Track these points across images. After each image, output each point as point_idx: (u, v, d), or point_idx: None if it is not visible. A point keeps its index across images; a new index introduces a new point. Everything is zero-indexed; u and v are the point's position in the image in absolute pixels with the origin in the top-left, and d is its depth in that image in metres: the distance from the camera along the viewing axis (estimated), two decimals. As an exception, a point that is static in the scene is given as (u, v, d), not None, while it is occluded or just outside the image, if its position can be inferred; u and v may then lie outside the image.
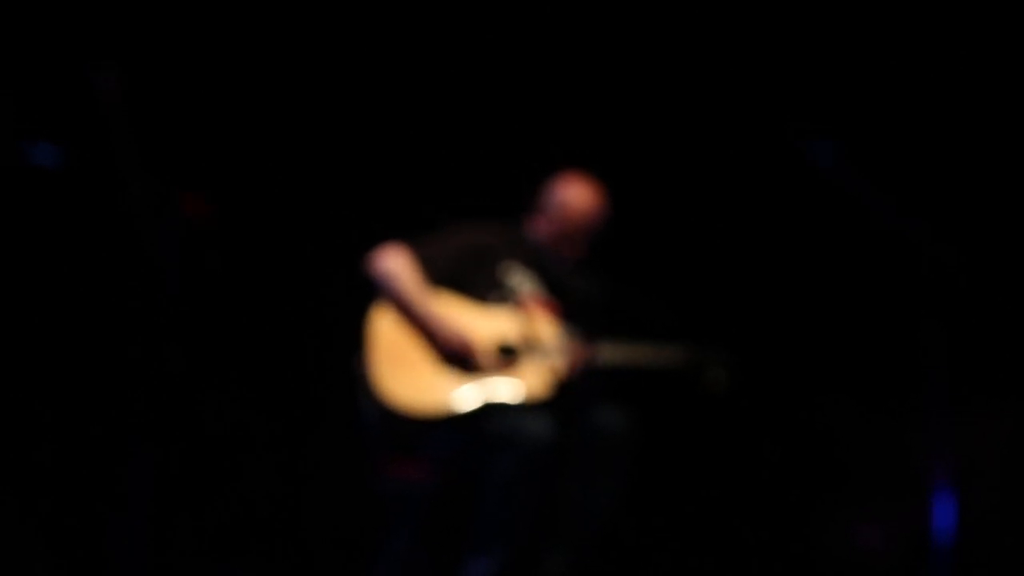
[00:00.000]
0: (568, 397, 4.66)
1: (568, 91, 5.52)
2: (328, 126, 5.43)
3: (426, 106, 5.47)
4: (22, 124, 4.15)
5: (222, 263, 5.21)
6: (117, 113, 3.83)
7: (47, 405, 5.02)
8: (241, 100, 5.31)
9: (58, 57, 4.90)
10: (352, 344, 4.64)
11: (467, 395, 4.58)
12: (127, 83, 3.86)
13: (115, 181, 3.86)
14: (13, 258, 4.94)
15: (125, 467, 4.05)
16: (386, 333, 4.62)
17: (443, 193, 5.36)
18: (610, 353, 4.74)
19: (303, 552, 5.31)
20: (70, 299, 5.06)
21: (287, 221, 5.40)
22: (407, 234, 4.73)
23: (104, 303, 5.06)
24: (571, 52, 5.52)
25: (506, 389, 4.61)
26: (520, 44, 5.50)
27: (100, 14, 4.97)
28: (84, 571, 4.85)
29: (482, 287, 4.72)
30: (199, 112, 5.20)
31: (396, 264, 4.65)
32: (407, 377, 4.57)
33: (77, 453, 5.04)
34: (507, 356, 4.66)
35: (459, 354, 4.60)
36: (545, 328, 4.73)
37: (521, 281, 4.77)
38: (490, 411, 4.55)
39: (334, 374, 4.85)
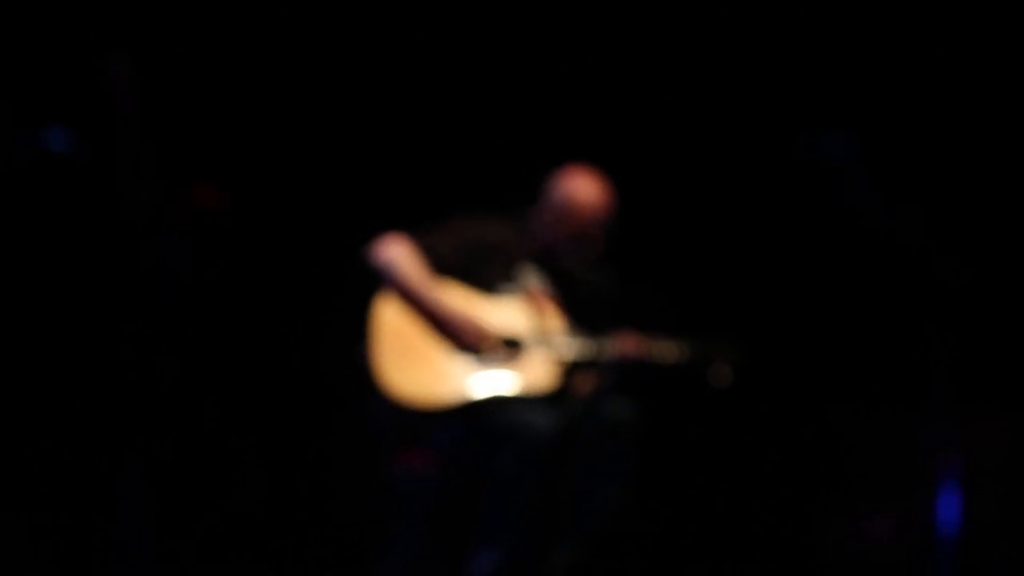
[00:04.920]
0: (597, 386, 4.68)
1: (575, 84, 5.50)
2: (330, 122, 5.42)
3: (432, 100, 5.45)
4: (30, 113, 4.16)
5: (230, 255, 5.21)
6: (128, 102, 3.83)
7: (43, 408, 5.02)
8: (248, 91, 5.31)
9: (69, 45, 4.89)
10: (356, 336, 4.62)
11: (471, 387, 4.58)
12: (139, 72, 3.86)
13: (123, 173, 3.86)
14: (10, 253, 4.93)
15: (123, 466, 4.05)
16: (389, 323, 4.60)
17: (449, 186, 5.34)
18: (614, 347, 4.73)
19: (313, 546, 5.31)
20: (66, 297, 5.06)
21: (293, 212, 5.40)
22: (411, 226, 4.71)
23: (105, 297, 5.05)
24: (578, 44, 5.51)
25: (509, 382, 4.62)
26: (528, 34, 5.49)
27: (111, 1, 4.97)
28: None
29: (486, 280, 4.69)
30: (205, 102, 5.20)
31: (399, 253, 4.61)
32: (411, 368, 4.56)
33: (74, 457, 5.04)
34: (511, 348, 4.67)
35: (470, 341, 4.60)
36: (552, 321, 4.73)
37: (526, 276, 4.76)
38: (493, 404, 4.54)
39: (341, 366, 4.85)
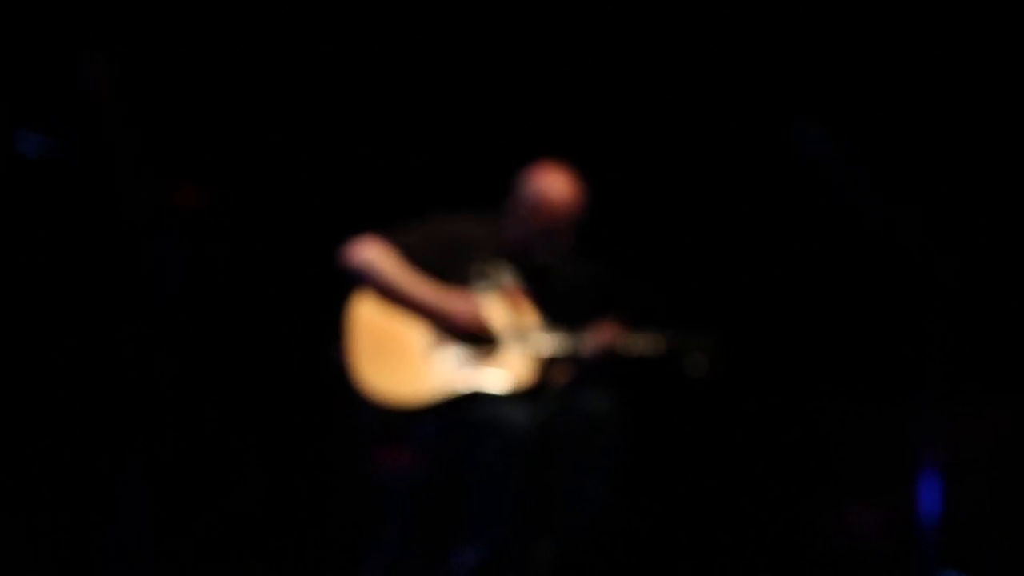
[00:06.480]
0: (574, 381, 4.65)
1: (553, 76, 5.48)
2: (304, 123, 5.41)
3: (407, 99, 5.45)
4: (11, 113, 4.16)
5: (217, 255, 5.21)
6: (107, 101, 3.83)
7: (43, 408, 5.03)
8: (227, 90, 5.31)
9: (47, 43, 4.91)
10: (333, 336, 4.62)
11: (449, 383, 4.57)
12: (117, 70, 3.86)
13: (106, 173, 3.86)
14: (10, 254, 4.95)
15: (123, 466, 4.05)
16: (365, 322, 4.60)
17: (423, 185, 5.33)
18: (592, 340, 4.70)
19: (312, 546, 5.31)
20: (67, 297, 5.07)
21: (291, 211, 5.40)
22: (385, 226, 4.69)
23: (105, 297, 5.06)
24: (555, 35, 5.49)
25: (487, 377, 4.60)
26: (505, 26, 5.48)
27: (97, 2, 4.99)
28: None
29: (461, 279, 4.68)
30: (186, 101, 5.21)
31: (375, 253, 4.62)
32: (388, 367, 4.55)
33: (74, 457, 5.04)
34: (488, 345, 4.65)
35: (468, 325, 4.58)
36: (528, 317, 4.71)
37: (499, 273, 4.74)
38: (471, 399, 4.53)
39: (324, 367, 4.84)
